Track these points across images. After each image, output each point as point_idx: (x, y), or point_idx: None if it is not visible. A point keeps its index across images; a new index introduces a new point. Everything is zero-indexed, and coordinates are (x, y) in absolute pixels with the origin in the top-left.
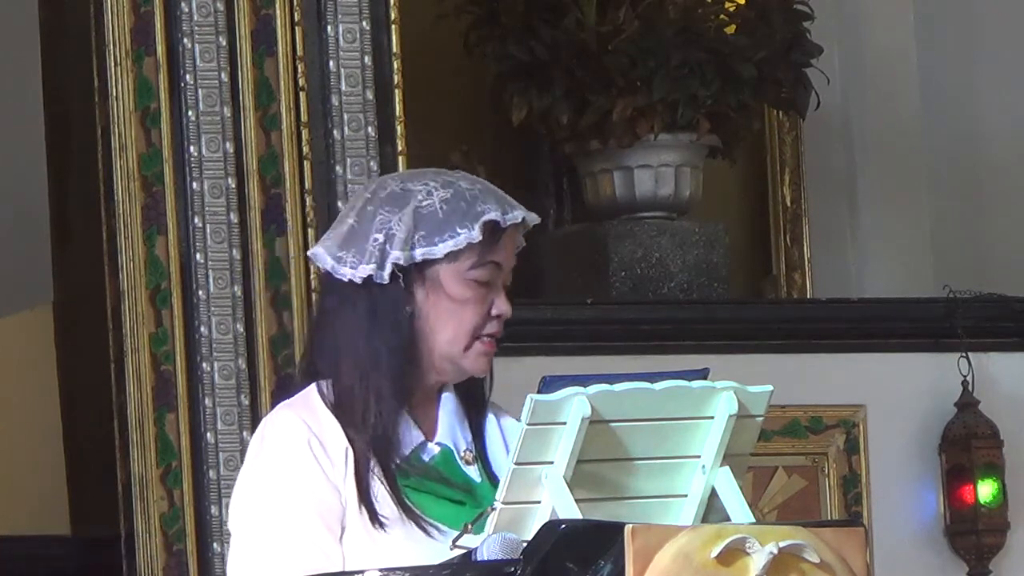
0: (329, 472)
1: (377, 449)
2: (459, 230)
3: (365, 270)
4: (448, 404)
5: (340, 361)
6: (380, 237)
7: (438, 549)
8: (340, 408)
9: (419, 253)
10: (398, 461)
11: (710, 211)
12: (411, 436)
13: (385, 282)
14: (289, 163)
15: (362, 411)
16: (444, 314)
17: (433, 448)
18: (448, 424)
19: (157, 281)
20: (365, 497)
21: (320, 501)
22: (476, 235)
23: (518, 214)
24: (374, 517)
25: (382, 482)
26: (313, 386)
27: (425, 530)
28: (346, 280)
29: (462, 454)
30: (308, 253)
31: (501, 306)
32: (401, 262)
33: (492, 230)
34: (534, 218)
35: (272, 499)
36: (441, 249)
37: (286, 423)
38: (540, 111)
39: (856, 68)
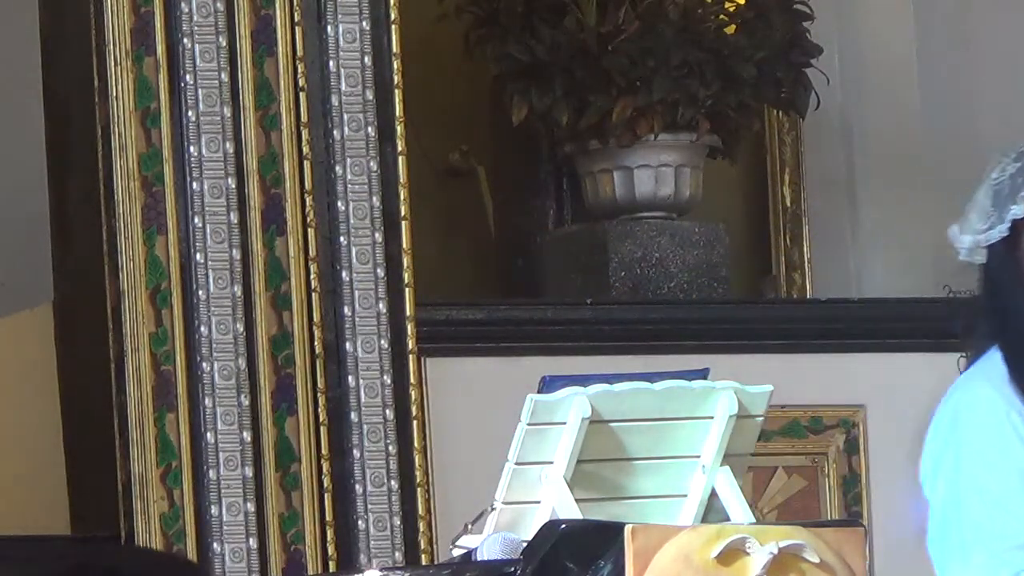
0: None
1: None
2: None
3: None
4: None
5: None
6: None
7: None
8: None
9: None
10: None
11: (710, 211)
12: None
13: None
14: (289, 163)
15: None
16: None
17: None
18: None
19: (157, 281)
20: None
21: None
22: (1005, 228)
23: None
24: None
25: None
26: (997, 353)
27: None
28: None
29: None
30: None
31: None
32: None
33: None
34: None
35: (976, 479)
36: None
37: (982, 400)
38: (540, 111)
39: (856, 68)
